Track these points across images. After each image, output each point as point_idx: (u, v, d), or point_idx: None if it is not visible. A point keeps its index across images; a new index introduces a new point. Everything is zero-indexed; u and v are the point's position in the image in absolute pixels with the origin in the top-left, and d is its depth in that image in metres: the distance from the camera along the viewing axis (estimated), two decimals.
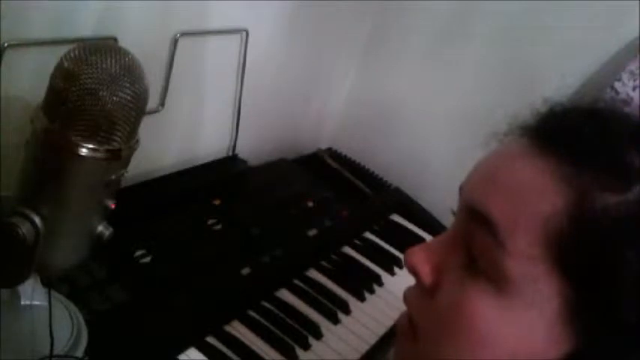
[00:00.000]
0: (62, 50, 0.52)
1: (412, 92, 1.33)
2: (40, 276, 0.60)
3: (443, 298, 0.44)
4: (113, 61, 0.51)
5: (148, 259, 0.84)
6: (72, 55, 0.51)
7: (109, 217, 0.58)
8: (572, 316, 0.39)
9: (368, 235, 1.14)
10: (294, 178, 1.19)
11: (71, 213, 0.55)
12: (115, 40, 0.79)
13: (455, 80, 1.27)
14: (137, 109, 0.53)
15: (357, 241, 1.11)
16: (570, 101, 0.44)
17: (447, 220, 0.50)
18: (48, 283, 0.61)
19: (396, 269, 1.06)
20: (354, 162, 1.36)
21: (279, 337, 0.84)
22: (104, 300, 0.75)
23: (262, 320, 0.86)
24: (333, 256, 1.05)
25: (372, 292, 1.00)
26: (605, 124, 0.41)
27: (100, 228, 0.58)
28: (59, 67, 0.51)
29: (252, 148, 1.18)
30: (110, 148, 0.52)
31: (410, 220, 1.23)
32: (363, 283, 1.00)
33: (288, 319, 0.87)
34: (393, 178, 1.33)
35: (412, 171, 1.32)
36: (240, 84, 1.08)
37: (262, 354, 0.81)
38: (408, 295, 0.48)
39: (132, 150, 0.55)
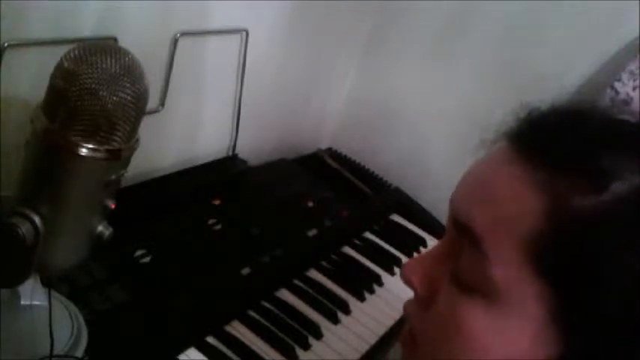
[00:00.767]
0: (62, 50, 0.52)
1: (412, 92, 1.33)
2: (40, 276, 0.60)
3: (437, 309, 0.44)
4: (113, 61, 0.51)
5: (148, 259, 0.84)
6: (72, 55, 0.51)
7: (109, 217, 0.58)
8: (557, 320, 0.39)
9: (368, 235, 1.14)
10: (294, 178, 1.19)
11: (71, 213, 0.55)
12: (115, 40, 0.79)
13: (455, 80, 1.27)
14: (137, 109, 0.53)
15: (357, 241, 1.11)
16: (547, 104, 0.44)
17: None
18: (48, 283, 0.61)
19: (396, 269, 1.06)
20: (354, 162, 1.36)
21: (279, 337, 0.84)
22: (104, 300, 0.75)
23: (262, 320, 0.86)
24: (333, 256, 1.05)
25: (372, 292, 1.00)
26: (579, 126, 0.41)
27: (100, 228, 0.58)
28: (59, 67, 0.51)
29: (252, 148, 1.18)
30: (110, 148, 0.52)
31: (410, 220, 1.23)
32: (363, 283, 1.00)
33: (288, 319, 0.87)
34: (393, 178, 1.33)
35: (412, 171, 1.32)
36: (240, 84, 1.08)
37: (262, 354, 0.81)
38: (407, 307, 0.49)
39: (132, 150, 0.55)
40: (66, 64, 0.51)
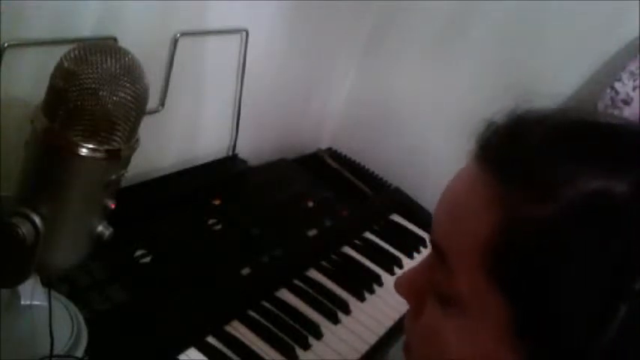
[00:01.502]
0: (62, 50, 0.52)
1: (412, 92, 1.33)
2: (40, 276, 0.60)
3: (422, 320, 0.46)
4: (113, 61, 0.51)
5: (148, 259, 0.84)
6: (72, 55, 0.51)
7: (109, 217, 0.58)
8: (517, 331, 0.39)
9: (368, 235, 1.14)
10: (294, 178, 1.19)
11: (71, 213, 0.55)
12: (115, 40, 0.79)
13: (455, 80, 1.27)
14: (137, 109, 0.53)
15: (357, 241, 1.11)
16: (502, 116, 0.43)
17: None
18: (48, 283, 0.61)
19: (396, 269, 1.06)
20: (354, 162, 1.36)
21: (279, 337, 0.84)
22: (104, 300, 0.75)
23: (262, 320, 0.86)
24: (333, 256, 1.05)
25: (372, 292, 1.00)
26: (521, 137, 0.41)
27: (100, 228, 0.58)
28: (59, 67, 0.51)
29: (252, 148, 1.18)
30: (110, 148, 0.52)
31: (410, 220, 1.23)
32: (363, 283, 1.00)
33: (288, 319, 0.87)
34: (393, 178, 1.33)
35: (412, 171, 1.32)
36: (240, 84, 1.08)
37: (262, 354, 0.81)
38: (405, 318, 0.50)
39: (132, 150, 0.55)
40: (66, 64, 0.51)
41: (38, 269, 0.57)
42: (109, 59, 0.51)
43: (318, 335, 0.87)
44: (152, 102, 0.72)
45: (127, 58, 0.52)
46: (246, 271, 0.90)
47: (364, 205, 1.22)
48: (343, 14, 1.25)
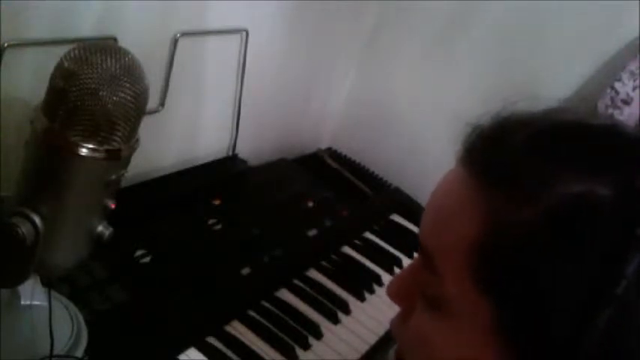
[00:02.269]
0: (62, 50, 0.53)
1: (412, 92, 1.33)
2: (40, 276, 0.60)
3: (411, 323, 0.46)
4: (113, 61, 0.51)
5: (148, 259, 0.84)
6: (72, 55, 0.51)
7: (109, 217, 0.58)
8: (501, 333, 0.39)
9: (368, 235, 1.14)
10: (294, 178, 1.19)
11: (71, 213, 0.55)
12: (115, 40, 0.79)
13: (454, 80, 1.27)
14: (137, 109, 0.53)
15: (357, 241, 1.11)
16: (485, 118, 0.44)
17: None
18: (48, 283, 0.61)
19: (396, 269, 1.06)
20: (354, 162, 1.36)
21: (279, 337, 0.84)
22: (104, 300, 0.75)
23: (262, 320, 0.86)
24: (333, 256, 1.05)
25: (372, 292, 1.00)
26: (504, 141, 0.41)
27: (100, 228, 0.58)
28: (59, 67, 0.51)
29: (252, 148, 1.18)
30: (110, 148, 0.52)
31: (410, 220, 1.23)
32: (363, 283, 1.00)
33: (288, 319, 0.87)
34: (393, 178, 1.33)
35: (412, 171, 1.32)
36: (240, 84, 1.08)
37: (262, 354, 0.81)
38: (391, 321, 0.50)
39: (132, 150, 0.55)
40: (66, 64, 0.51)
41: (38, 269, 0.57)
42: (109, 59, 0.51)
43: (318, 335, 0.87)
44: (152, 102, 0.72)
45: (127, 58, 0.52)
46: (246, 271, 0.90)
47: (364, 205, 1.22)
48: (343, 14, 1.25)
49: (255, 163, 1.17)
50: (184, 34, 0.90)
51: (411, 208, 1.26)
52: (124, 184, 0.58)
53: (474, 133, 0.43)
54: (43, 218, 0.53)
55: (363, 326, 0.92)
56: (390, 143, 1.36)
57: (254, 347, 0.81)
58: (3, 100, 0.70)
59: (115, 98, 0.51)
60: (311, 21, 1.18)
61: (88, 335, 0.65)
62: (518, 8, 1.16)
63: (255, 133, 1.19)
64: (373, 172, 1.35)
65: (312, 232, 1.04)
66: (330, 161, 1.32)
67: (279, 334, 0.84)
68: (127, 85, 0.51)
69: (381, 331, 0.92)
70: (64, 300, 0.68)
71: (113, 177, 0.55)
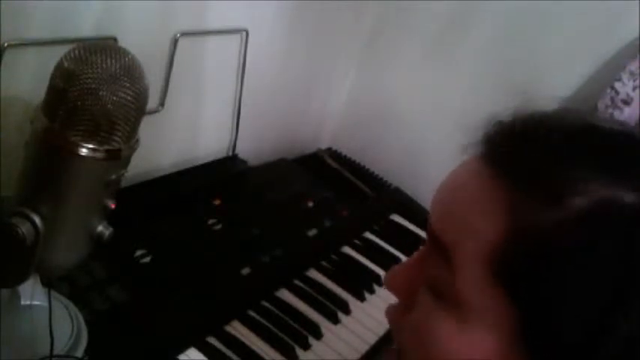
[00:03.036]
0: (62, 50, 0.52)
1: (412, 92, 1.33)
2: (40, 276, 0.60)
3: (413, 316, 0.45)
4: (113, 61, 0.51)
5: (148, 259, 0.84)
6: (72, 55, 0.51)
7: (109, 217, 0.58)
8: (522, 337, 0.39)
9: (368, 235, 1.14)
10: (294, 178, 1.18)
11: (71, 213, 0.55)
12: (115, 40, 0.79)
13: (455, 80, 1.27)
14: (137, 109, 0.53)
15: (357, 241, 1.11)
16: (514, 115, 0.43)
17: None
18: (48, 283, 0.61)
19: None
20: (354, 162, 1.36)
21: (279, 337, 0.84)
22: (104, 300, 0.75)
23: (262, 320, 0.86)
24: (333, 256, 1.05)
25: (372, 292, 1.00)
26: (540, 140, 0.40)
27: (100, 228, 0.57)
28: (59, 67, 0.51)
29: (252, 148, 1.18)
30: (110, 148, 0.52)
31: (410, 220, 1.23)
32: (363, 283, 1.00)
33: (288, 319, 0.87)
34: (393, 178, 1.33)
35: (412, 171, 1.32)
36: (240, 84, 1.08)
37: (262, 354, 0.81)
38: (388, 312, 0.50)
39: (132, 150, 0.55)
40: (66, 64, 0.51)
41: (38, 269, 0.57)
42: (109, 59, 0.51)
43: (318, 335, 0.87)
44: (152, 102, 0.72)
45: (127, 58, 0.52)
46: (246, 271, 0.90)
47: (364, 205, 1.22)
48: (343, 14, 1.25)
49: (255, 163, 1.17)
50: (184, 34, 0.90)
51: (411, 208, 1.26)
52: (124, 184, 0.58)
53: (497, 129, 0.43)
54: (43, 218, 0.53)
55: (363, 326, 0.92)
56: (390, 143, 1.36)
57: (254, 347, 0.81)
58: (3, 100, 0.70)
59: (114, 98, 0.50)
60: (311, 21, 1.18)
61: (88, 335, 0.65)
62: (518, 8, 1.16)
63: (255, 133, 1.19)
64: (373, 172, 1.34)
65: (312, 232, 1.04)
66: (330, 161, 1.32)
67: (279, 334, 0.84)
68: (127, 85, 0.51)
69: (381, 331, 0.92)
70: (64, 300, 0.67)
71: (113, 177, 0.55)
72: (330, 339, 0.88)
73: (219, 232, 0.95)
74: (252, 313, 0.86)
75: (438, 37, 1.28)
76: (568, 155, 0.39)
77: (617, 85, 1.04)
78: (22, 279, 0.57)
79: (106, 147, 0.52)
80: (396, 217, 1.23)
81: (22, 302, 0.60)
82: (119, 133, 0.52)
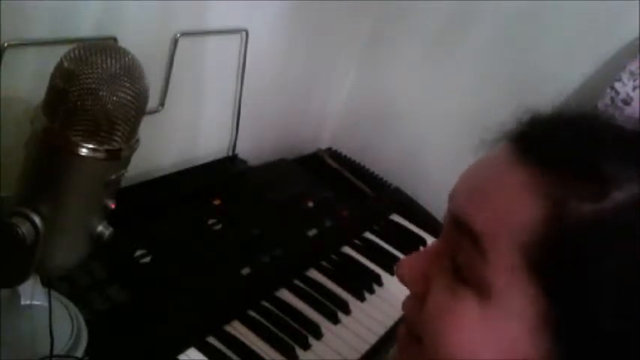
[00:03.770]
0: (62, 50, 0.52)
1: (412, 92, 1.33)
2: (40, 276, 0.60)
3: (430, 306, 0.45)
4: (113, 61, 0.51)
5: (148, 259, 0.84)
6: (72, 55, 0.51)
7: (109, 217, 0.58)
8: (551, 326, 0.39)
9: (368, 235, 1.14)
10: (294, 178, 1.19)
11: (71, 213, 0.55)
12: (115, 40, 0.79)
13: (455, 80, 1.27)
14: (137, 108, 0.53)
15: (357, 241, 1.11)
16: (552, 109, 0.44)
17: None
18: (48, 283, 0.61)
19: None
20: (354, 162, 1.36)
21: (279, 337, 0.84)
22: (104, 300, 0.75)
23: (262, 320, 0.86)
24: (333, 256, 1.05)
25: (372, 292, 1.00)
26: (584, 133, 0.41)
27: (100, 228, 0.57)
28: (59, 67, 0.51)
29: (252, 148, 1.18)
30: (110, 148, 0.52)
31: (410, 220, 1.23)
32: (363, 283, 1.00)
33: (288, 319, 0.87)
34: (393, 178, 1.33)
35: (412, 171, 1.32)
36: (240, 84, 1.08)
37: (262, 354, 0.81)
38: (405, 304, 0.49)
39: (132, 150, 0.55)
40: (66, 64, 0.51)
41: (38, 269, 0.57)
42: (109, 59, 0.51)
43: (318, 335, 0.87)
44: (152, 102, 0.72)
45: (127, 58, 0.52)
46: (246, 271, 0.90)
47: (364, 205, 1.22)
48: (343, 14, 1.25)
49: (255, 163, 1.17)
50: (184, 34, 0.90)
51: (411, 208, 1.26)
52: (124, 184, 0.58)
53: (534, 121, 0.44)
54: (43, 218, 0.53)
55: (363, 326, 0.92)
56: (390, 143, 1.36)
57: (254, 347, 0.81)
58: (3, 100, 0.70)
59: (114, 98, 0.50)
60: (311, 21, 1.18)
61: (88, 335, 0.65)
62: (518, 8, 1.16)
63: (255, 133, 1.19)
64: (373, 172, 1.34)
65: (312, 232, 1.04)
66: (330, 161, 1.32)
67: (279, 334, 0.84)
68: (127, 85, 0.51)
69: (381, 331, 0.92)
70: (64, 300, 0.67)
71: (113, 177, 0.55)
72: (330, 339, 0.88)
73: (219, 232, 0.95)
74: (252, 313, 0.86)
75: (438, 37, 1.28)
76: (609, 151, 0.40)
77: (617, 85, 1.04)
78: (22, 279, 0.57)
79: (106, 147, 0.52)
80: (396, 217, 1.23)
81: (22, 302, 0.60)
82: (119, 133, 0.52)
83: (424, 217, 1.23)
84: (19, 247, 0.53)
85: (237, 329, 0.83)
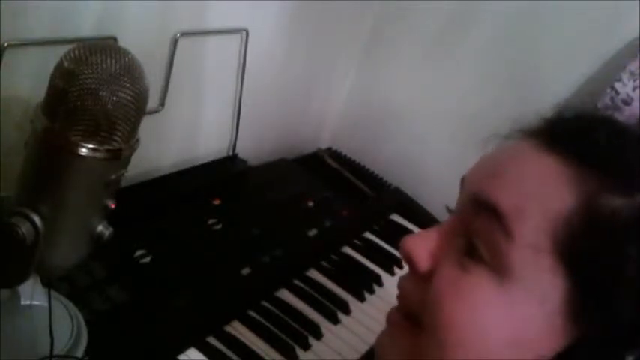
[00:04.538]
0: (62, 50, 0.52)
1: (412, 92, 1.33)
2: (40, 276, 0.60)
3: (440, 282, 0.44)
4: (113, 61, 0.51)
5: (148, 259, 0.84)
6: (72, 55, 0.51)
7: (109, 217, 0.58)
8: (572, 311, 0.40)
9: (368, 235, 1.14)
10: (294, 178, 1.19)
11: (71, 213, 0.55)
12: (115, 40, 0.79)
13: (454, 80, 1.27)
14: (137, 108, 0.53)
15: (357, 241, 1.11)
16: (582, 106, 0.47)
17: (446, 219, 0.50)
18: (48, 283, 0.61)
19: (396, 269, 1.06)
20: (354, 162, 1.36)
21: (279, 337, 0.84)
22: (104, 300, 0.75)
23: (262, 320, 0.86)
24: (333, 256, 1.05)
25: (372, 292, 1.00)
26: (618, 129, 0.44)
27: (100, 228, 0.57)
28: (59, 67, 0.51)
29: (252, 148, 1.18)
30: (110, 148, 0.52)
31: (410, 220, 1.23)
32: (363, 283, 1.00)
33: (288, 319, 0.87)
34: (393, 178, 1.33)
35: (412, 171, 1.32)
36: (240, 84, 1.08)
37: (262, 354, 0.81)
38: (404, 285, 0.49)
39: (132, 150, 0.55)
40: (66, 64, 0.51)
41: (38, 269, 0.57)
42: (109, 59, 0.51)
43: (318, 335, 0.87)
44: (152, 102, 0.72)
45: (127, 58, 0.52)
46: (246, 271, 0.90)
47: (364, 205, 1.22)
48: (343, 14, 1.25)
49: (255, 163, 1.17)
50: (184, 34, 0.90)
51: (411, 208, 1.26)
52: (124, 184, 0.58)
53: (566, 116, 0.46)
54: (43, 218, 0.53)
55: (363, 326, 0.92)
56: (391, 143, 1.36)
57: (254, 347, 0.81)
58: (3, 100, 0.70)
59: (114, 98, 0.50)
60: (311, 21, 1.18)
61: (88, 335, 0.65)
62: (518, 8, 1.16)
63: (255, 133, 1.19)
64: (373, 172, 1.35)
65: (312, 232, 1.04)
66: (330, 161, 1.32)
67: (279, 334, 0.84)
68: (127, 85, 0.51)
69: None
70: (64, 300, 0.67)
71: (113, 177, 0.55)
72: (330, 339, 0.88)
73: (219, 232, 0.95)
74: (252, 313, 0.86)
75: (438, 37, 1.28)
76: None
77: (617, 85, 1.04)
78: (22, 279, 0.57)
79: (106, 147, 0.52)
80: (396, 217, 1.23)
81: (22, 302, 0.60)
82: (119, 133, 0.52)
83: (424, 217, 1.23)
84: (19, 247, 0.53)
85: (237, 329, 0.83)
